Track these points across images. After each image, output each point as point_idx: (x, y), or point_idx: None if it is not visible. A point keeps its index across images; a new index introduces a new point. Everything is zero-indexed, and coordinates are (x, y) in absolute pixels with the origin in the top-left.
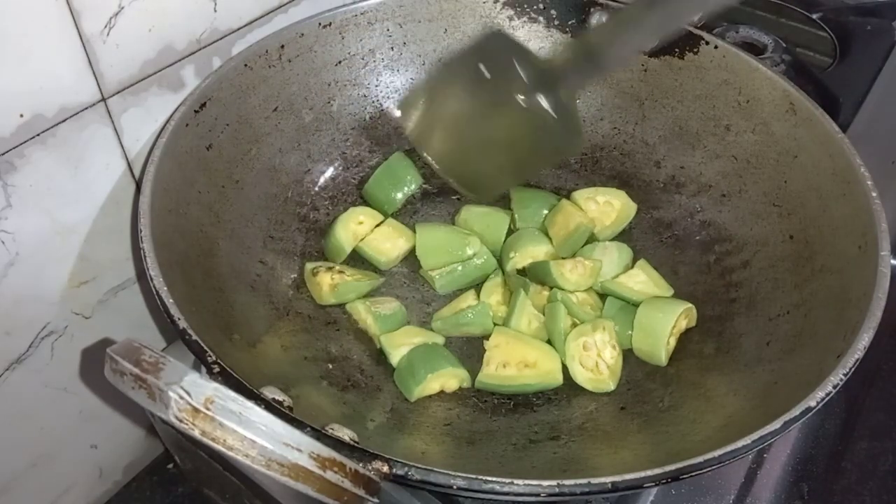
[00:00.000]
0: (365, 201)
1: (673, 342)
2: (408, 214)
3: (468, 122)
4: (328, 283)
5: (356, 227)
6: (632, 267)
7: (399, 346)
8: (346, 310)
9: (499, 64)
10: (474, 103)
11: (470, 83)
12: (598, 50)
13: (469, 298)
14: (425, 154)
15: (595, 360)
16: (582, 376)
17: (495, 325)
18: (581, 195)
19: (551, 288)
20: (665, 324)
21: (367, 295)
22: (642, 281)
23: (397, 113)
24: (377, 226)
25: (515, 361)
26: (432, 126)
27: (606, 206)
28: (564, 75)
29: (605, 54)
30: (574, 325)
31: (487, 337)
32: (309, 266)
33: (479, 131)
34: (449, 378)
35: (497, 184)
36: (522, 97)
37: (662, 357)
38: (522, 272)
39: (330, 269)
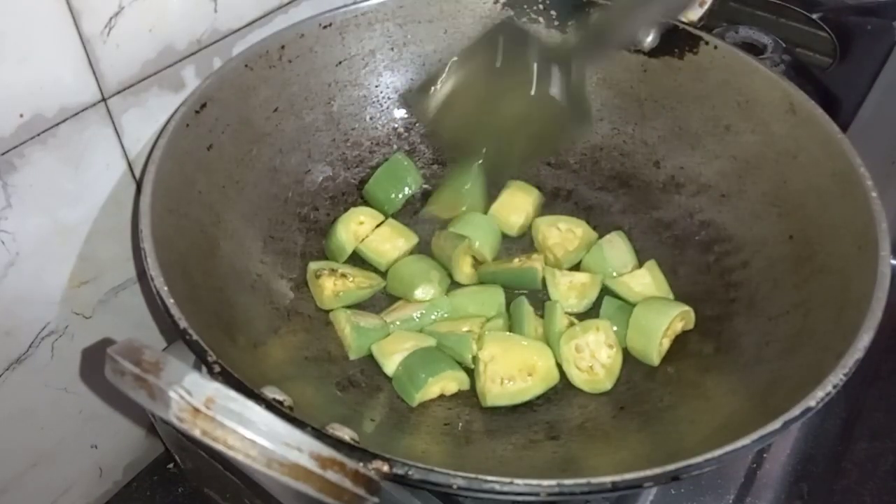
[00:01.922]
0: (365, 201)
1: (667, 343)
2: (408, 214)
3: (482, 108)
4: (331, 288)
5: (357, 228)
6: (639, 266)
7: (391, 353)
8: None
9: (511, 51)
10: (488, 89)
11: (484, 70)
12: (607, 26)
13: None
14: (443, 136)
15: (589, 362)
16: (578, 378)
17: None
18: (543, 221)
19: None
20: (659, 325)
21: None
22: (646, 283)
23: (401, 111)
24: (377, 226)
25: (517, 371)
26: (448, 112)
27: (568, 234)
28: (575, 57)
29: (615, 29)
30: (571, 324)
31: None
32: (312, 267)
33: (494, 115)
34: (449, 381)
35: (511, 164)
36: (534, 83)
37: (654, 357)
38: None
39: (333, 272)
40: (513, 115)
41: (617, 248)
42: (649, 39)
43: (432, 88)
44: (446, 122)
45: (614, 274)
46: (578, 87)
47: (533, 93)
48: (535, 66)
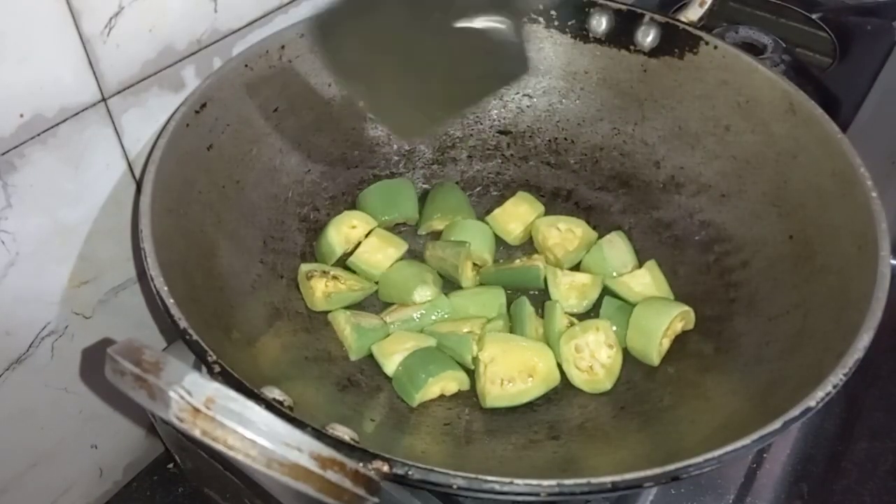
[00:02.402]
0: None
1: (667, 343)
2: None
3: (402, 53)
4: (322, 289)
5: (349, 231)
6: (639, 266)
7: (391, 353)
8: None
9: None
10: (406, 30)
11: (402, 6)
12: None
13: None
14: (350, 92)
15: (589, 362)
16: (578, 378)
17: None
18: (543, 222)
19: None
20: (659, 325)
21: (352, 306)
22: (645, 283)
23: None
24: (368, 234)
25: (517, 372)
26: (355, 56)
27: (568, 234)
28: None
29: None
30: (571, 324)
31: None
32: (304, 268)
33: (414, 62)
34: (449, 381)
35: (433, 118)
36: (463, 22)
37: (654, 357)
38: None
39: (325, 274)
40: (436, 67)
41: (617, 248)
42: (649, 39)
43: (342, 31)
44: (354, 71)
45: (614, 274)
46: (515, 32)
47: (456, 26)
48: (464, 7)
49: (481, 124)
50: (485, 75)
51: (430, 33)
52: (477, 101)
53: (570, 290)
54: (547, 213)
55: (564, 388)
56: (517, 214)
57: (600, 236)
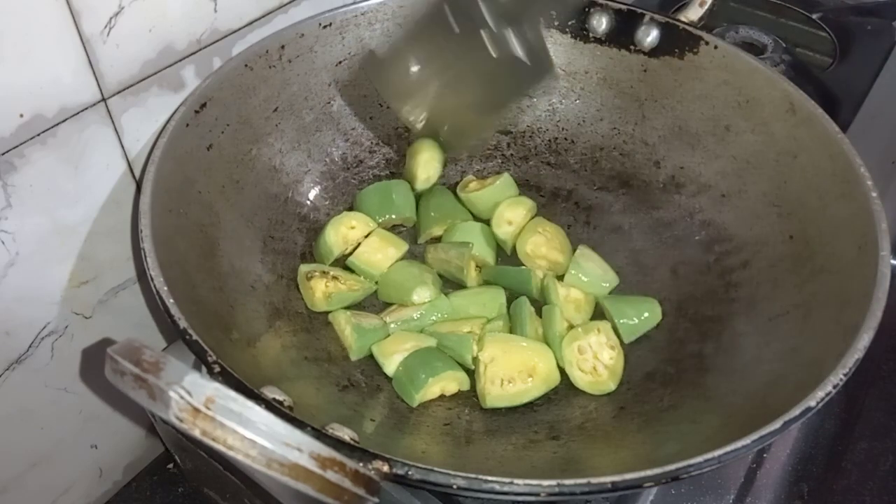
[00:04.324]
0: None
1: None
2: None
3: (441, 72)
4: (322, 290)
5: (347, 231)
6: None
7: (391, 353)
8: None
9: (462, 16)
10: (445, 52)
11: (442, 39)
12: None
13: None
14: (403, 115)
15: (592, 363)
16: (581, 380)
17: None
18: (527, 233)
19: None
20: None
21: (352, 306)
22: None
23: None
24: (367, 235)
25: (517, 372)
26: (406, 82)
27: (549, 237)
28: (529, 5)
29: None
30: (570, 327)
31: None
32: (303, 269)
33: (453, 79)
34: (449, 381)
35: (475, 130)
36: (489, 38)
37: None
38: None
39: (324, 274)
40: (475, 81)
41: (592, 260)
42: (650, 39)
43: (393, 61)
44: (407, 95)
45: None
46: (536, 38)
47: (495, 55)
48: (491, 25)
49: None
50: (514, 80)
51: (463, 49)
52: (508, 106)
53: (566, 303)
54: (547, 213)
55: (564, 388)
56: (508, 217)
57: (600, 236)
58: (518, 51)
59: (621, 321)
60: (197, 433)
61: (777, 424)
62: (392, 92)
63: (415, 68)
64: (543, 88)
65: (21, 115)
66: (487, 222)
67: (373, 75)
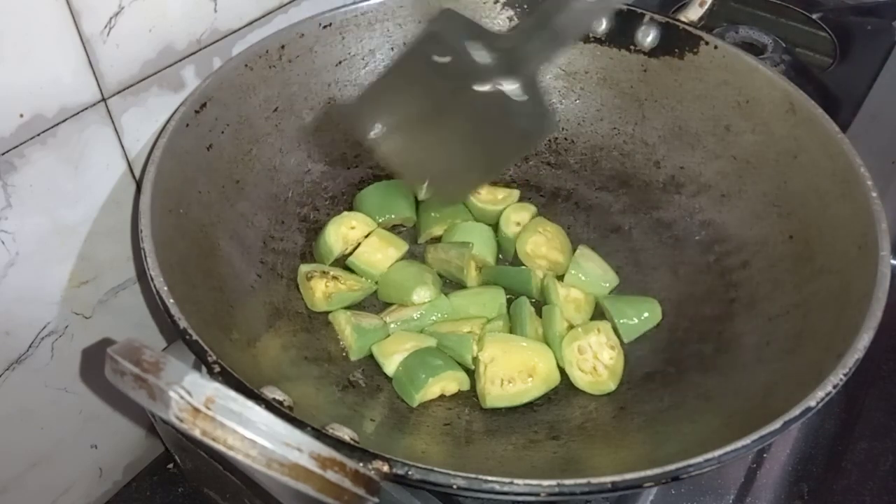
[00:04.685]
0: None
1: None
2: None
3: (429, 120)
4: (322, 290)
5: (347, 232)
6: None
7: (392, 354)
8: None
9: (452, 51)
10: (432, 99)
11: (424, 76)
12: (556, 19)
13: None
14: (388, 164)
15: (592, 363)
16: (582, 380)
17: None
18: (527, 233)
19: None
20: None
21: (352, 306)
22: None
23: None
24: (367, 235)
25: (517, 372)
26: (391, 129)
27: (550, 237)
28: (525, 53)
29: (565, 22)
30: (570, 327)
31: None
32: (303, 269)
33: (442, 128)
34: (449, 381)
35: (467, 183)
36: (481, 85)
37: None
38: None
39: (324, 274)
40: (462, 125)
41: (592, 260)
42: (649, 39)
43: (370, 100)
44: (388, 137)
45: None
46: (532, 84)
47: (481, 97)
48: (481, 67)
49: None
50: (512, 135)
51: (454, 103)
52: (509, 162)
53: (566, 303)
54: (547, 213)
55: (564, 389)
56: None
57: (600, 236)
58: (513, 109)
59: (621, 321)
60: (197, 433)
61: (777, 424)
62: (369, 133)
63: (395, 109)
64: (543, 139)
65: (21, 115)
66: (490, 225)
67: (348, 125)
